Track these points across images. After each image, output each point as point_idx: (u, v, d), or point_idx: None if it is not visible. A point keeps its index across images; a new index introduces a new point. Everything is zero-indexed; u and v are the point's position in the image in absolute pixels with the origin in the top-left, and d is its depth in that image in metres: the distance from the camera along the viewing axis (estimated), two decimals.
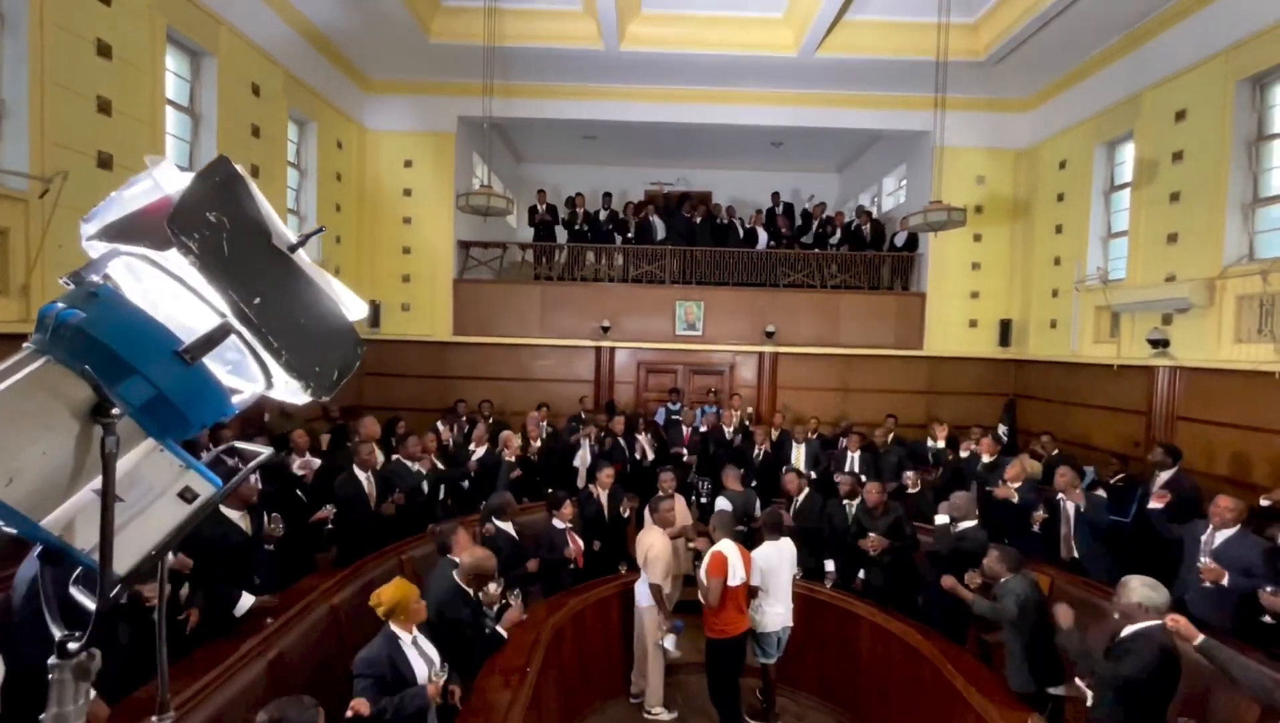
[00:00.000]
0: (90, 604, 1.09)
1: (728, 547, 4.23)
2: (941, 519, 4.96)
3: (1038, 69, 8.18)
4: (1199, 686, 3.25)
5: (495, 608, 3.87)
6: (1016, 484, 5.37)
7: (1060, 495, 5.16)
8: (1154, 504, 4.82)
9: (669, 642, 4.41)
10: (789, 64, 8.38)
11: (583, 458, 7.09)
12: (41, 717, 1.10)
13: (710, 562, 4.16)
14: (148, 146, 5.33)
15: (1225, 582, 3.79)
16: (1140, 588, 2.95)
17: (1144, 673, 2.84)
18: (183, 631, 3.39)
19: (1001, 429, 8.96)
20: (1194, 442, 6.31)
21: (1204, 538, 4.10)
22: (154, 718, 1.47)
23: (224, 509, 3.69)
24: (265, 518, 4.11)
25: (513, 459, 6.26)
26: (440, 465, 6.24)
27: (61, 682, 1.06)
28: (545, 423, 7.40)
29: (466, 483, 6.46)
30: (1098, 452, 7.30)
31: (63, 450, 1.00)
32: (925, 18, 7.34)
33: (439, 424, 7.47)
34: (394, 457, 5.88)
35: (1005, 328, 9.33)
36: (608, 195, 10.99)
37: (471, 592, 3.59)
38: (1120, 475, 6.34)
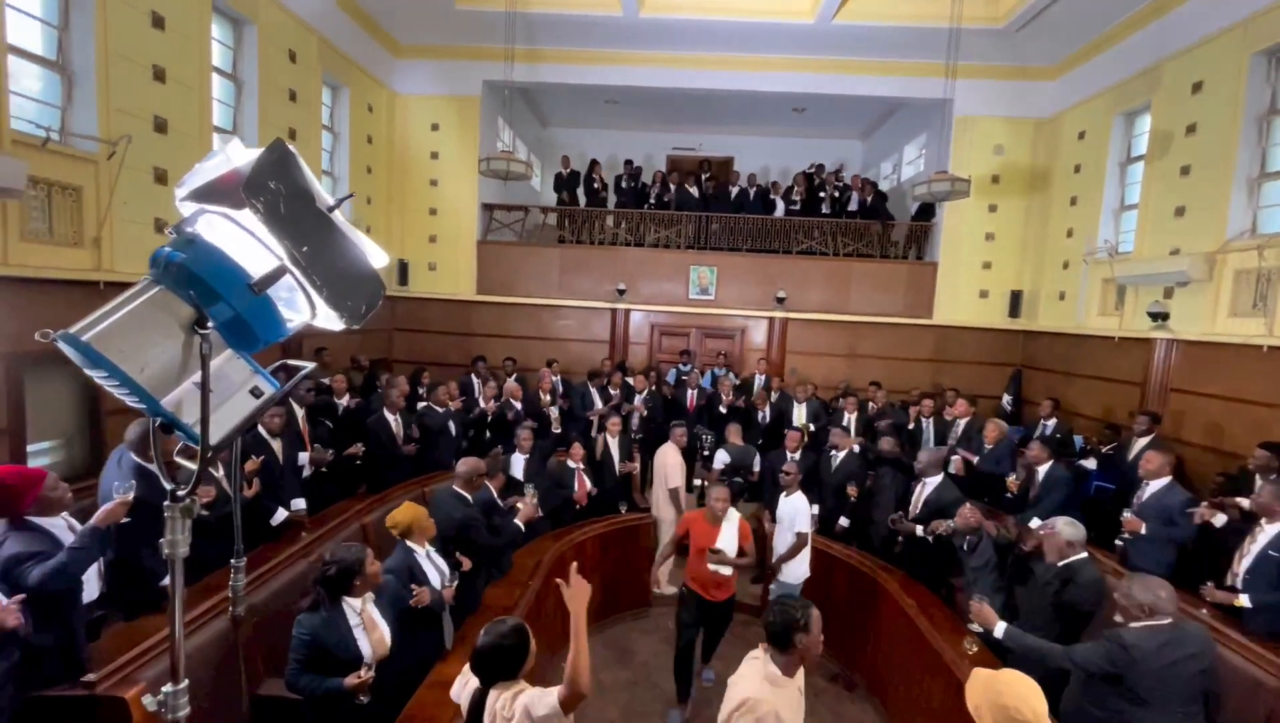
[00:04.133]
0: (190, 466, 1.58)
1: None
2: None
3: (1061, 37, 8.09)
4: None
5: (509, 506, 4.40)
6: (990, 446, 5.71)
7: (1033, 463, 5.44)
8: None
9: None
10: (807, 30, 8.43)
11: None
12: (160, 541, 1.59)
13: None
14: (196, 112, 5.80)
15: (1144, 531, 4.11)
16: (1064, 527, 3.34)
17: (1084, 597, 3.27)
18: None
19: (1006, 399, 9.17)
20: (1183, 412, 6.50)
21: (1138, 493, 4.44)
22: (233, 561, 1.99)
23: (262, 432, 4.28)
24: (307, 447, 4.73)
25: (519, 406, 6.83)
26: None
27: (173, 519, 1.56)
28: (558, 378, 7.89)
29: (487, 430, 7.02)
30: (1094, 421, 7.50)
31: (173, 351, 1.47)
32: None
33: (472, 376, 7.97)
34: (421, 404, 6.48)
35: (1015, 299, 9.42)
36: (629, 162, 11.22)
37: (468, 494, 4.11)
38: (1113, 445, 6.59)
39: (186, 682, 1.57)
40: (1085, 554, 3.47)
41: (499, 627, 2.30)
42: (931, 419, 7.11)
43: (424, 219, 10.02)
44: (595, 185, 10.79)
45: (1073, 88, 8.60)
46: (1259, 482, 3.97)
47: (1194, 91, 6.54)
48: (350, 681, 2.58)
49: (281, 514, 4.18)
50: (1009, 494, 5.46)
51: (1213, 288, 6.15)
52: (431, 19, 8.77)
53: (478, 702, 2.26)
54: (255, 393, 1.67)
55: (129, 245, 5.17)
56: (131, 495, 2.75)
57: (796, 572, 4.78)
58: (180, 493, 1.57)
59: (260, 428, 4.40)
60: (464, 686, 2.38)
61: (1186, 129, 6.60)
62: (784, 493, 4.93)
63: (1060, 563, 3.45)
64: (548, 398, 7.27)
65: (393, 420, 5.74)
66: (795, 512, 4.76)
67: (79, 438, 4.95)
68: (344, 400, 6.21)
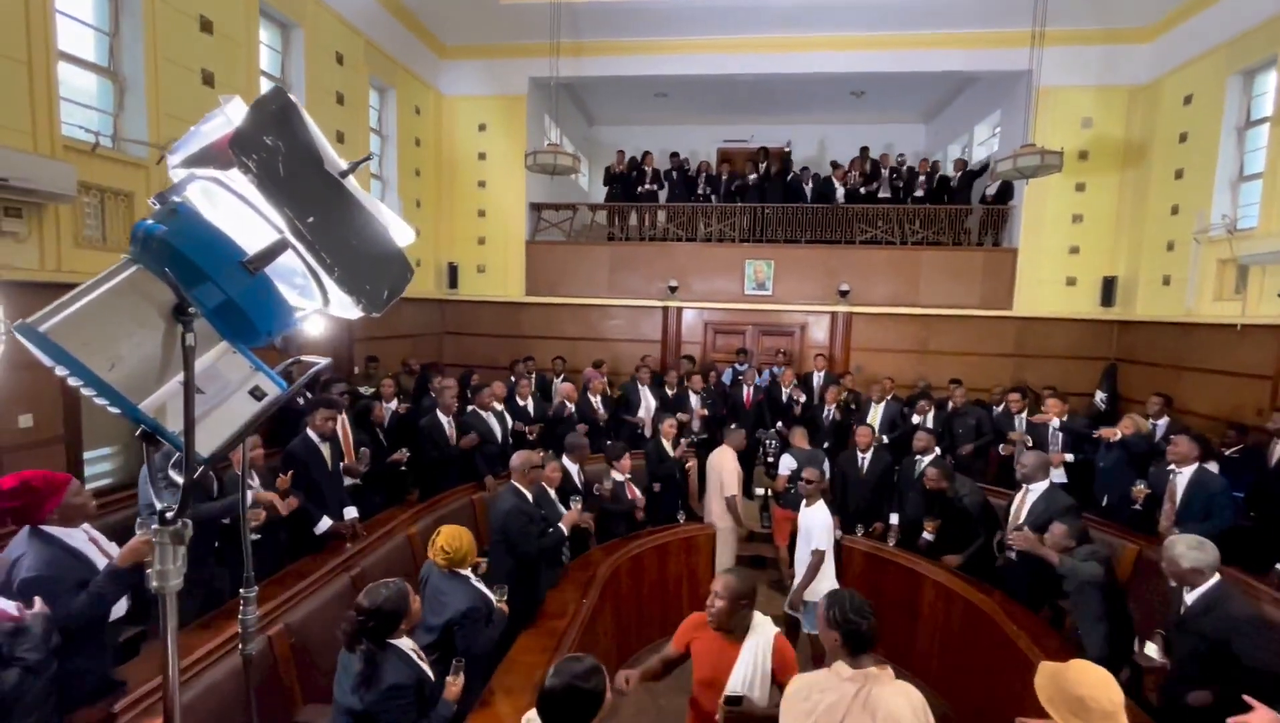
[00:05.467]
0: (179, 480, 1.28)
1: None
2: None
3: None
4: None
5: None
6: (1117, 436, 5.06)
7: (1171, 467, 4.69)
8: None
9: None
10: (870, 3, 7.86)
11: (646, 408, 7.25)
12: (147, 571, 1.31)
13: None
14: None
15: None
16: (1190, 552, 2.77)
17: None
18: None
19: (1099, 396, 8.32)
20: None
21: None
22: (242, 591, 1.71)
23: (311, 435, 4.10)
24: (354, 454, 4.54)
25: (573, 408, 6.52)
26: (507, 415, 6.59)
27: (162, 545, 1.26)
28: (605, 379, 7.60)
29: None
30: (1211, 420, 6.64)
31: (152, 343, 1.16)
32: None
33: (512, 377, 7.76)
34: (470, 408, 6.27)
35: (1109, 286, 8.52)
36: (674, 155, 10.86)
37: (525, 489, 3.88)
38: (1238, 446, 5.80)
39: None
40: (1217, 578, 2.85)
41: (573, 666, 1.94)
42: (1024, 414, 6.44)
43: (472, 221, 9.92)
44: (646, 180, 10.45)
45: (1174, 48, 7.70)
46: None
47: None
48: (450, 693, 2.59)
49: (326, 523, 3.99)
50: (1135, 506, 4.77)
51: None
52: (476, 16, 8.64)
53: None
54: (256, 394, 1.37)
55: None
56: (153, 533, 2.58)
57: (820, 590, 4.26)
58: (169, 515, 1.28)
59: (311, 432, 4.23)
60: None
61: None
62: (804, 502, 4.47)
63: (1191, 597, 2.85)
64: (597, 401, 6.96)
65: (446, 423, 5.60)
66: (814, 525, 4.30)
67: (135, 444, 4.94)
68: (392, 405, 6.06)
